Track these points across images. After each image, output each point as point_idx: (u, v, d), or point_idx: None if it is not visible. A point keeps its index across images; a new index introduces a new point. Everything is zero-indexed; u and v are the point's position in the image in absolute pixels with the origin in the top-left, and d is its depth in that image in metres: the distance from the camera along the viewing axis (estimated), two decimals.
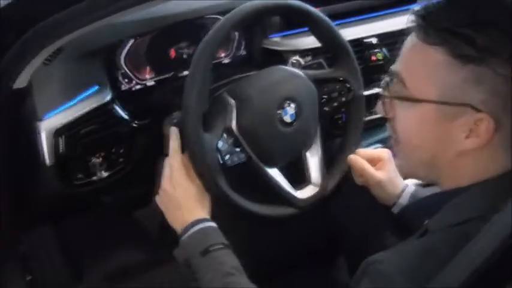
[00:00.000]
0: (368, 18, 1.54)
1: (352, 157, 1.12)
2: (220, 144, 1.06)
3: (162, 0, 1.02)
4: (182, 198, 1.03)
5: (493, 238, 0.59)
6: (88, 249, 1.57)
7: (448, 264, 0.64)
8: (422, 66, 0.76)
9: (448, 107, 0.74)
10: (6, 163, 1.09)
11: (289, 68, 1.18)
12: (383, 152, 1.10)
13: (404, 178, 1.02)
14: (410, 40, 0.79)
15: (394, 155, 0.96)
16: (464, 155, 0.77)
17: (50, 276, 1.49)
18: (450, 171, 0.80)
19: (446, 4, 0.75)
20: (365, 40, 1.48)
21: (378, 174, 1.08)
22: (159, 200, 1.06)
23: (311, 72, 1.19)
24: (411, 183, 1.07)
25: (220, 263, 0.96)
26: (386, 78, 0.84)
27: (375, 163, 1.10)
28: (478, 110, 0.72)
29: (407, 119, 0.81)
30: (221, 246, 0.98)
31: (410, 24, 0.78)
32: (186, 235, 1.00)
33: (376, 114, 1.35)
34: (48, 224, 1.50)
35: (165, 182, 1.04)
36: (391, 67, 0.83)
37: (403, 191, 1.06)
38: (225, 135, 1.07)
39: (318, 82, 1.17)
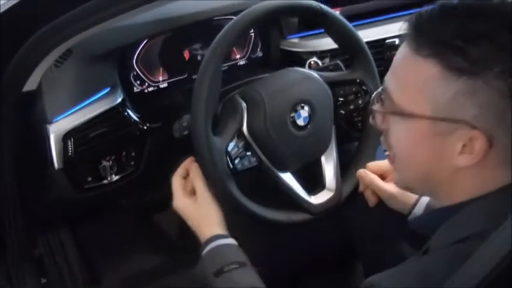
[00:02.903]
0: (390, 18, 1.50)
1: (362, 172, 1.08)
2: (230, 147, 1.03)
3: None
4: (188, 221, 1.04)
5: (491, 257, 0.55)
6: (105, 253, 1.56)
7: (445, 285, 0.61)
8: (414, 80, 0.73)
9: (442, 123, 0.71)
10: (15, 166, 1.08)
11: (303, 69, 1.15)
12: None
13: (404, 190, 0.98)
14: (403, 51, 0.75)
15: None
16: (460, 171, 0.73)
17: (65, 280, 1.48)
18: (446, 187, 0.76)
19: (439, 14, 0.71)
20: (386, 41, 1.43)
21: (389, 187, 1.04)
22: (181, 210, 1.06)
23: (326, 74, 1.16)
24: None
25: (236, 284, 0.94)
26: (378, 90, 0.81)
27: (387, 175, 1.07)
28: (472, 127, 0.69)
29: (400, 134, 0.77)
30: (236, 266, 0.95)
31: (403, 32, 0.75)
32: (203, 253, 0.99)
33: None
34: (65, 228, 1.49)
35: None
36: (384, 79, 0.80)
37: (417, 200, 1.01)
38: (235, 138, 1.04)
39: (334, 84, 1.14)
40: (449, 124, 0.70)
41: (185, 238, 1.45)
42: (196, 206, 1.03)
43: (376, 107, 0.81)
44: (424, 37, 0.71)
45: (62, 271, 1.48)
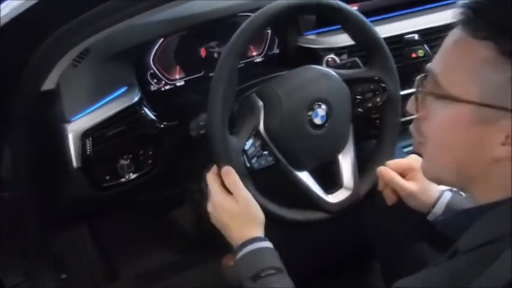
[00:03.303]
0: (409, 13, 1.48)
1: (382, 169, 1.07)
2: (247, 147, 1.03)
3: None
4: (228, 219, 0.99)
5: None
6: (122, 249, 1.57)
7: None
8: (465, 63, 0.70)
9: (488, 110, 0.69)
10: (34, 165, 1.09)
11: (320, 67, 1.14)
12: (414, 161, 1.05)
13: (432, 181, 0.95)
14: (455, 33, 0.73)
15: None
16: (498, 163, 0.71)
17: (84, 275, 1.50)
18: (482, 181, 0.74)
19: None
20: (405, 36, 1.42)
21: (409, 185, 1.02)
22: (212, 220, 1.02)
23: (343, 71, 1.14)
24: (447, 190, 1.01)
25: None
26: (422, 75, 0.78)
27: (406, 173, 1.05)
28: None
29: (440, 119, 0.75)
30: (273, 271, 0.92)
31: (457, 17, 0.72)
32: (239, 255, 0.96)
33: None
34: (82, 224, 1.50)
35: (209, 206, 1.01)
36: (428, 64, 0.77)
37: (438, 199, 1.00)
38: (252, 137, 1.04)
39: (351, 82, 1.13)
40: (494, 112, 0.68)
41: (201, 235, 1.45)
42: (238, 204, 0.98)
43: (419, 90, 0.78)
44: (481, 19, 0.69)
45: (81, 267, 1.50)
